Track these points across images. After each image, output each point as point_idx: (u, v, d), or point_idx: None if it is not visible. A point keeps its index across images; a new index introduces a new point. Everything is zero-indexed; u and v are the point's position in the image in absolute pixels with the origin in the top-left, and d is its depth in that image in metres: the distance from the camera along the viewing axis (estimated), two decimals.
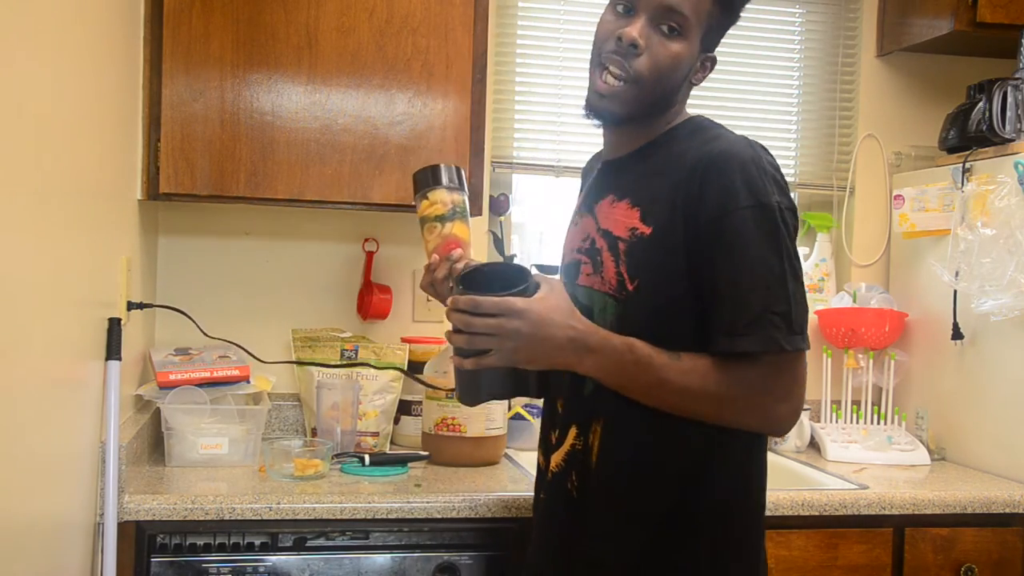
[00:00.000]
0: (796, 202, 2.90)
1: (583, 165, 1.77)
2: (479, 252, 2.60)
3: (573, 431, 1.53)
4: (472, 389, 1.49)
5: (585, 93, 1.53)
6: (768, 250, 1.38)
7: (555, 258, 2.66)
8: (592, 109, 1.51)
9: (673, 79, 1.48)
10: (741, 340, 1.38)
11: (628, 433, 1.47)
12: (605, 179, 1.58)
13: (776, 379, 1.40)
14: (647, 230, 1.45)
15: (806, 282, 2.97)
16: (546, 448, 1.60)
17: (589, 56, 1.53)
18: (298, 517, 1.83)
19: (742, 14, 1.55)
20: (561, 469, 1.55)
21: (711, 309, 1.41)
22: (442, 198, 1.58)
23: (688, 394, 1.40)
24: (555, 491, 1.56)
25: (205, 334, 2.15)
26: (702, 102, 2.74)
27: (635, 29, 1.44)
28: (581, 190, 1.70)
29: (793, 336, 1.38)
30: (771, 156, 1.46)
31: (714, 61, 1.55)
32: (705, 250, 1.40)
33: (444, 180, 1.58)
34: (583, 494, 1.51)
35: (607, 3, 1.52)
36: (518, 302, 1.37)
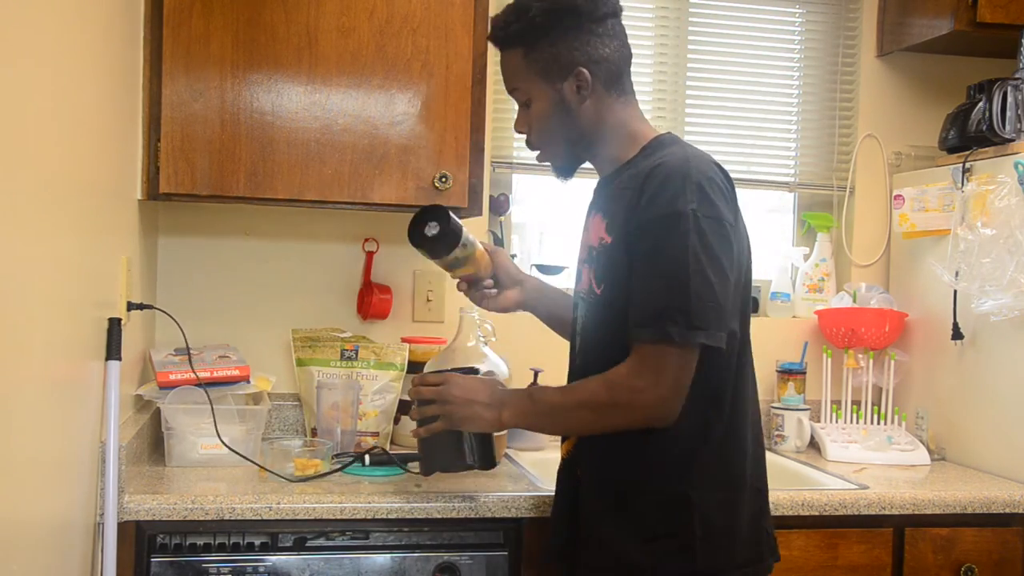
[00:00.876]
0: (796, 202, 2.91)
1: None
2: None
3: None
4: (427, 460, 1.80)
5: None
6: (676, 252, 1.51)
7: (554, 258, 2.68)
8: (554, 173, 1.79)
9: (555, 128, 1.69)
10: (640, 331, 1.52)
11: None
12: (593, 198, 1.77)
13: (639, 371, 1.53)
14: (609, 239, 1.61)
15: (807, 282, 2.97)
16: (563, 437, 1.79)
17: None
18: (298, 517, 1.83)
19: (605, 9, 1.67)
20: (571, 456, 1.73)
21: (629, 308, 1.56)
22: (438, 265, 1.87)
23: (567, 409, 1.63)
24: (567, 476, 1.74)
25: (188, 349, 2.10)
26: (703, 102, 2.75)
27: (515, 124, 1.76)
28: None
29: (692, 331, 1.49)
30: (710, 169, 1.58)
31: (581, 74, 1.65)
32: (634, 255, 1.56)
33: (430, 252, 1.83)
34: (586, 480, 1.68)
35: None
36: (454, 375, 1.74)
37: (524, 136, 1.76)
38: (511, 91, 1.74)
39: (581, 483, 1.68)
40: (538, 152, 1.76)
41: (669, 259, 1.51)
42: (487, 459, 1.78)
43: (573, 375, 1.73)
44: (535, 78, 1.67)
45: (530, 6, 1.65)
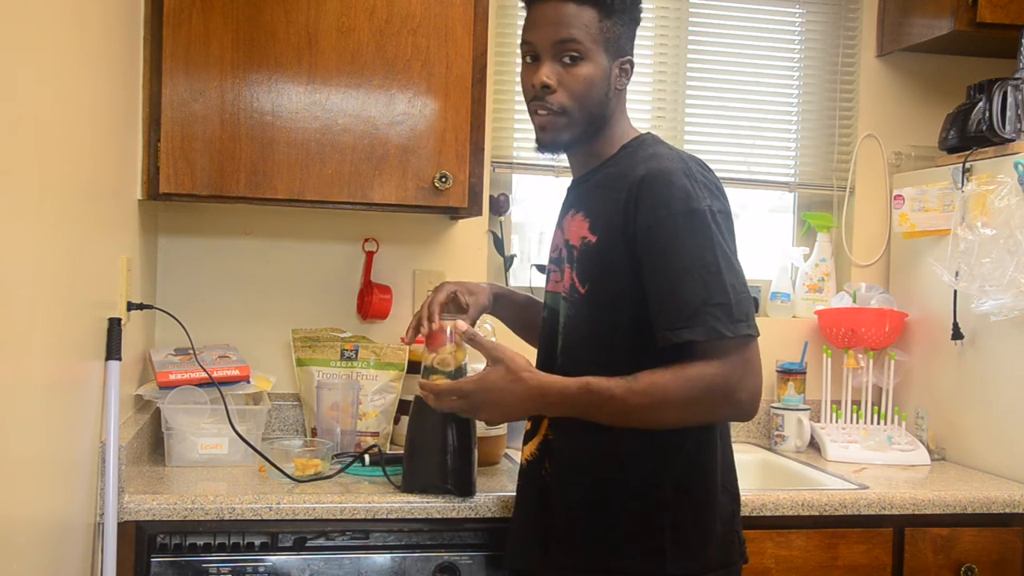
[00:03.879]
0: (796, 202, 2.92)
1: None
2: (479, 252, 2.61)
3: (545, 423, 1.69)
4: (409, 477, 1.88)
5: None
6: (702, 249, 1.51)
7: None
8: (541, 144, 1.68)
9: (593, 97, 1.63)
10: (683, 332, 1.50)
11: (591, 427, 1.59)
12: (570, 197, 1.76)
13: (728, 369, 1.50)
14: (593, 239, 1.62)
15: (807, 282, 2.98)
16: (525, 438, 1.76)
17: None
18: (298, 517, 1.83)
19: (642, 14, 1.72)
20: (535, 457, 1.71)
21: (654, 309, 1.53)
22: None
23: (652, 410, 1.53)
24: (530, 477, 1.72)
25: (193, 350, 2.12)
26: (703, 102, 2.75)
27: (543, 74, 1.62)
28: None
29: (736, 323, 1.50)
30: (705, 168, 1.60)
31: (632, 64, 1.68)
32: (645, 257, 1.54)
33: None
34: (554, 480, 1.66)
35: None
36: (466, 384, 1.67)
37: (546, 85, 1.61)
38: (563, 40, 1.60)
39: (549, 484, 1.67)
40: (549, 109, 1.62)
41: (696, 256, 1.51)
42: (465, 487, 1.87)
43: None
44: (599, 45, 1.63)
45: None
